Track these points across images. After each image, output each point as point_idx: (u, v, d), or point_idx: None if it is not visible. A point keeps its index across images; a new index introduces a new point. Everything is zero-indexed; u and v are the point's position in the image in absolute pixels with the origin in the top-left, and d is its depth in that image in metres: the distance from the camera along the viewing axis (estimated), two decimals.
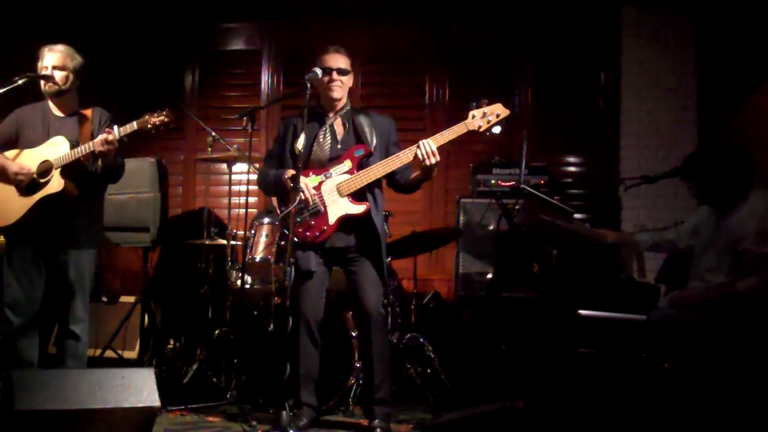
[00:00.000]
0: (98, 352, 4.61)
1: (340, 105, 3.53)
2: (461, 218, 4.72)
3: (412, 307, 4.42)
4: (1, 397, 2.72)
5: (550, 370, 3.59)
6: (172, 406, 3.78)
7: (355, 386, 3.81)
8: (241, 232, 4.58)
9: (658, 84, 5.16)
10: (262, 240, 4.22)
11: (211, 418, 3.73)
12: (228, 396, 3.96)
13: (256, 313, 4.05)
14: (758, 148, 4.43)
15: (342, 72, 3.46)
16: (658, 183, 3.82)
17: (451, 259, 4.99)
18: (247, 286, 4.25)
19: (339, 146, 3.48)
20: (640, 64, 5.19)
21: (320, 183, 3.40)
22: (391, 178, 3.49)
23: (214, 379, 4.18)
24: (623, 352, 3.19)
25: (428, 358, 4.24)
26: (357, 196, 3.40)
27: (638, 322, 3.20)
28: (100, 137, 3.30)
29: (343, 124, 3.53)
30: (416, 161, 3.32)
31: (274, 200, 3.56)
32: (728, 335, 3.07)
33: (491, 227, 4.53)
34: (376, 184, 3.46)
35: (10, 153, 3.52)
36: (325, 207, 3.38)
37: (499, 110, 3.31)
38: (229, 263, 4.47)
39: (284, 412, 3.10)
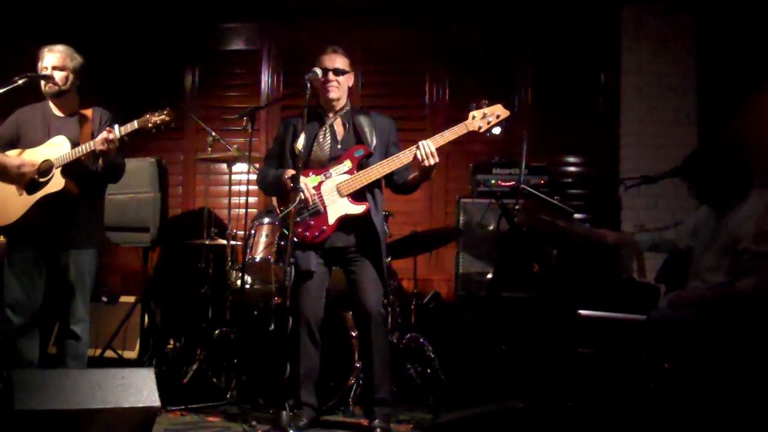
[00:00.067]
0: (98, 352, 4.61)
1: (339, 105, 3.52)
2: (461, 218, 4.72)
3: (412, 307, 4.42)
4: (1, 397, 2.72)
5: (550, 370, 3.59)
6: (172, 406, 3.78)
7: (355, 386, 3.80)
8: (241, 232, 4.59)
9: (658, 84, 5.15)
10: (262, 240, 4.22)
11: (211, 418, 3.72)
12: (228, 396, 3.97)
13: (256, 313, 4.05)
14: (758, 147, 4.43)
15: (338, 72, 3.46)
16: (658, 183, 3.83)
17: (451, 259, 4.99)
18: (247, 286, 4.25)
19: (339, 146, 3.48)
20: (640, 64, 5.18)
21: (320, 183, 3.40)
22: (388, 178, 3.48)
23: (214, 379, 4.18)
24: (623, 352, 3.19)
25: (428, 358, 4.24)
26: (357, 196, 3.39)
27: (638, 322, 3.20)
28: (101, 136, 3.30)
29: (343, 125, 3.53)
30: (416, 162, 3.32)
31: (274, 200, 3.56)
32: (728, 335, 3.07)
33: (491, 227, 4.52)
34: (376, 184, 3.46)
35: (12, 153, 3.52)
36: (324, 207, 3.38)
37: (499, 111, 3.31)
38: (229, 263, 4.48)
39: (284, 412, 3.10)
